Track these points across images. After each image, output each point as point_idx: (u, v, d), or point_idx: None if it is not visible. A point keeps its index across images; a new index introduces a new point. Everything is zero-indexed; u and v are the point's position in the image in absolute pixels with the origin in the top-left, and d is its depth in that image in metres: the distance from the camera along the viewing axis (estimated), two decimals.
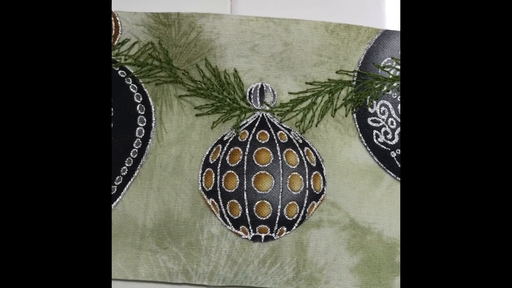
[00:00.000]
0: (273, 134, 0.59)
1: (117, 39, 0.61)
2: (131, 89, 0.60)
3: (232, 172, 0.58)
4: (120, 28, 0.61)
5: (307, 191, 0.58)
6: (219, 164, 0.59)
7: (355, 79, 0.60)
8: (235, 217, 0.58)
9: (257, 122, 0.60)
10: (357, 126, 0.60)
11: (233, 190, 0.58)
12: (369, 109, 0.60)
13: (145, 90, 0.60)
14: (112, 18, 0.61)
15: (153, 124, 0.60)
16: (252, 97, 0.60)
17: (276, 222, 0.58)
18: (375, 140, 0.60)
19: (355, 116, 0.60)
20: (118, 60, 0.60)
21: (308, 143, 0.60)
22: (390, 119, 0.60)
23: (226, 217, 0.58)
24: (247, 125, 0.60)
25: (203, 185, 0.59)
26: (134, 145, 0.59)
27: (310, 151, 0.59)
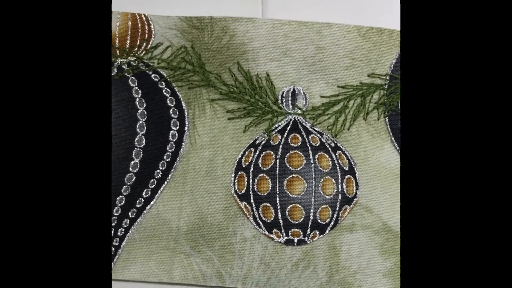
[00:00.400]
0: (305, 138, 0.59)
1: (150, 43, 0.61)
2: (165, 93, 0.61)
3: (265, 175, 0.59)
4: (153, 32, 0.61)
5: (339, 195, 0.58)
6: (252, 168, 0.59)
7: (387, 82, 0.60)
8: (268, 221, 0.58)
9: (289, 126, 0.60)
10: (389, 129, 0.60)
11: (265, 194, 0.58)
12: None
13: (178, 94, 0.61)
14: (145, 22, 0.61)
15: (186, 128, 0.60)
16: (284, 100, 0.61)
17: (309, 226, 0.58)
18: None
19: (387, 119, 0.60)
20: (151, 64, 0.61)
21: (341, 146, 0.60)
22: None
23: (259, 221, 0.58)
24: (279, 128, 0.60)
25: (236, 188, 0.59)
26: (167, 148, 0.60)
27: (343, 155, 0.59)
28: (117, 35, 0.61)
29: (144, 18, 0.61)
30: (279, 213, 0.58)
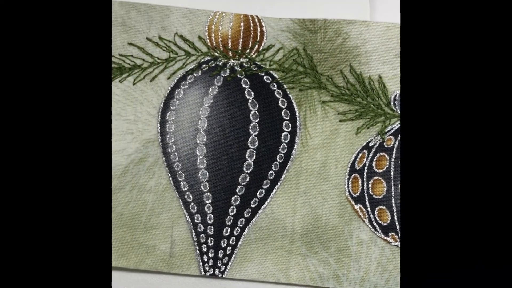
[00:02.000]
0: None
1: (262, 44, 0.62)
2: (276, 95, 0.61)
3: (379, 178, 0.58)
4: (265, 33, 0.62)
5: None
6: (366, 170, 0.59)
7: None
8: (384, 224, 0.58)
9: None
10: None
11: (380, 197, 0.58)
12: None
13: (290, 95, 0.61)
14: (258, 24, 0.62)
15: (297, 130, 0.60)
16: (396, 103, 0.60)
17: None
18: None
19: None
20: (263, 66, 0.61)
21: None
22: None
23: (375, 224, 0.58)
24: (392, 131, 0.60)
25: (350, 190, 0.59)
26: (280, 149, 0.60)
27: None
28: (229, 37, 0.62)
29: (256, 20, 0.62)
30: (395, 216, 0.57)
